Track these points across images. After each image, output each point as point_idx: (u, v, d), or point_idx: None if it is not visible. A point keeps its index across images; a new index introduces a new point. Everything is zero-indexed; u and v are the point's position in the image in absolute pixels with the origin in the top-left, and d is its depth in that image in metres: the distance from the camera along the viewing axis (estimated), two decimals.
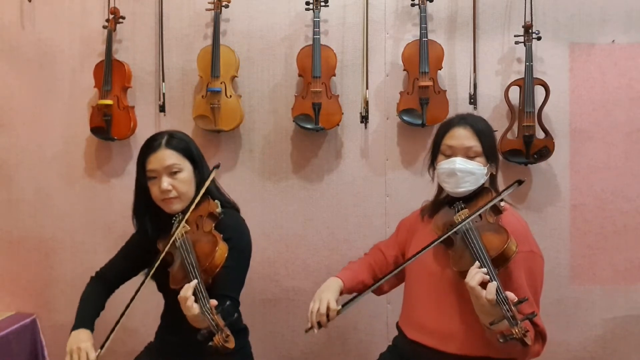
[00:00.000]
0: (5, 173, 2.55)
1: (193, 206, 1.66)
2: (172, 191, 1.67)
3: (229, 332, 1.42)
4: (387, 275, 1.70)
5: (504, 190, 1.63)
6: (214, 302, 1.46)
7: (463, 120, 1.71)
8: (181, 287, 1.52)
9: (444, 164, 1.69)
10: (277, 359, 2.51)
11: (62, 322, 2.52)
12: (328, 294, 1.69)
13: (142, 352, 1.87)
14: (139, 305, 2.55)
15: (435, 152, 1.75)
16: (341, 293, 1.76)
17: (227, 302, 1.48)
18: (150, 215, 1.76)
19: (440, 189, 1.81)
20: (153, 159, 1.69)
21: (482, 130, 1.69)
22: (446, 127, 1.73)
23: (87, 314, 1.76)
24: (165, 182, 1.66)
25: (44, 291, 2.55)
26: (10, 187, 2.55)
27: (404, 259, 1.82)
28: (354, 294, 1.74)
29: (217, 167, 1.72)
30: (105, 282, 1.85)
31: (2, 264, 2.55)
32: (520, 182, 1.56)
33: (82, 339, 1.66)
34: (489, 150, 1.69)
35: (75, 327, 1.71)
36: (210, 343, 1.40)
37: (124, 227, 2.46)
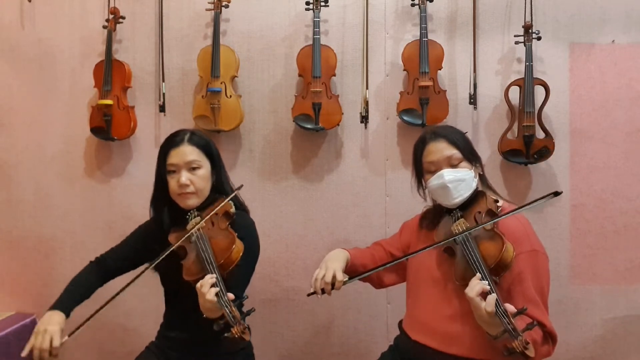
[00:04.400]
0: (5, 173, 2.55)
1: (214, 210, 1.68)
2: (190, 186, 1.70)
3: (246, 325, 1.45)
4: (389, 262, 1.71)
5: (518, 208, 1.63)
6: (231, 295, 1.49)
7: (434, 134, 1.73)
8: (195, 280, 1.54)
9: (433, 180, 1.69)
10: (277, 359, 2.51)
11: None
12: (335, 264, 1.71)
13: (143, 352, 1.87)
14: (139, 305, 2.56)
15: (420, 173, 1.77)
16: (346, 265, 1.77)
17: (245, 296, 1.53)
18: (169, 208, 1.78)
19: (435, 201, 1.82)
20: (174, 154, 1.72)
21: (455, 137, 1.71)
22: (421, 147, 1.74)
23: (70, 299, 1.74)
24: (184, 177, 1.70)
25: (44, 291, 2.54)
26: (10, 187, 2.55)
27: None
28: (364, 271, 1.73)
29: (239, 188, 1.79)
30: (103, 269, 1.84)
31: (2, 264, 2.55)
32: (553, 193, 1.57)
33: (52, 321, 1.62)
34: (468, 152, 1.71)
35: (53, 307, 1.69)
36: (227, 334, 1.42)
37: (124, 227, 2.46)
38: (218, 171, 1.79)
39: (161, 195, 1.78)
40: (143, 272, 1.66)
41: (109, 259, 1.86)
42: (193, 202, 1.72)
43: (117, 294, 1.62)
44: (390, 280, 1.91)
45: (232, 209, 1.71)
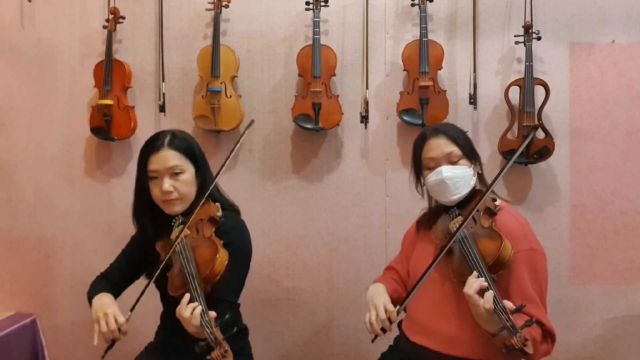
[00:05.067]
0: (5, 173, 2.55)
1: (194, 214, 1.62)
2: (174, 192, 1.64)
3: (227, 348, 1.40)
4: (414, 287, 1.64)
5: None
6: (212, 314, 1.44)
7: (434, 130, 1.73)
8: (179, 295, 1.50)
9: (431, 176, 1.69)
10: (277, 359, 2.51)
11: (62, 322, 2.53)
12: (382, 298, 1.66)
13: (142, 352, 1.87)
14: (139, 305, 2.56)
15: (418, 169, 1.76)
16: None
17: (227, 315, 1.46)
18: (151, 216, 1.73)
19: (432, 199, 1.82)
20: (155, 159, 1.65)
21: (455, 134, 1.71)
22: (421, 143, 1.74)
23: (105, 288, 1.72)
24: (167, 184, 1.63)
25: (44, 291, 2.55)
26: (10, 187, 2.55)
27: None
28: (408, 292, 1.68)
29: (250, 123, 1.71)
30: (109, 283, 1.81)
31: (2, 264, 2.55)
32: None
33: (106, 303, 1.61)
34: (468, 150, 1.71)
35: (95, 294, 1.67)
36: (207, 357, 1.38)
37: (124, 227, 2.47)
38: (203, 173, 1.71)
39: (143, 202, 1.72)
40: (146, 286, 1.62)
41: (109, 275, 1.83)
42: (178, 208, 1.67)
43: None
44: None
45: (219, 213, 1.64)
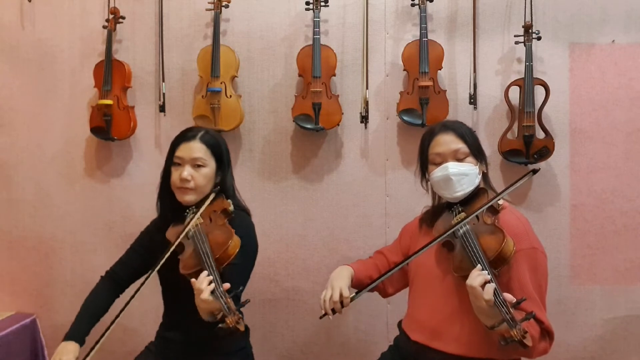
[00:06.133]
0: (5, 173, 2.55)
1: (208, 204, 1.70)
2: (191, 182, 1.72)
3: (240, 316, 1.46)
4: (392, 269, 1.71)
5: (503, 190, 1.64)
6: (226, 285, 1.51)
7: (444, 127, 1.73)
8: (191, 273, 1.55)
9: (437, 172, 1.70)
10: (277, 359, 2.51)
11: (62, 322, 2.51)
12: (341, 282, 1.72)
13: (142, 352, 1.87)
14: (139, 305, 2.55)
15: (425, 164, 1.77)
16: (351, 281, 1.78)
17: (241, 288, 1.54)
18: (171, 201, 1.79)
19: (436, 197, 1.82)
20: (183, 147, 1.75)
21: (464, 131, 1.72)
22: (429, 137, 1.74)
23: (84, 324, 1.77)
24: (187, 172, 1.71)
25: (44, 291, 2.55)
26: (10, 187, 2.55)
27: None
28: (367, 284, 1.75)
29: (217, 185, 1.77)
30: (115, 282, 1.86)
31: (2, 264, 2.55)
32: (527, 175, 1.58)
33: (67, 351, 1.67)
34: (476, 149, 1.72)
35: (67, 336, 1.73)
36: (221, 325, 1.44)
37: (124, 227, 2.48)
38: (224, 172, 1.80)
39: (165, 186, 1.80)
40: (148, 277, 1.65)
41: (118, 271, 1.86)
42: (190, 198, 1.73)
43: (127, 304, 1.64)
44: (394, 289, 1.92)
45: (231, 207, 1.71)
